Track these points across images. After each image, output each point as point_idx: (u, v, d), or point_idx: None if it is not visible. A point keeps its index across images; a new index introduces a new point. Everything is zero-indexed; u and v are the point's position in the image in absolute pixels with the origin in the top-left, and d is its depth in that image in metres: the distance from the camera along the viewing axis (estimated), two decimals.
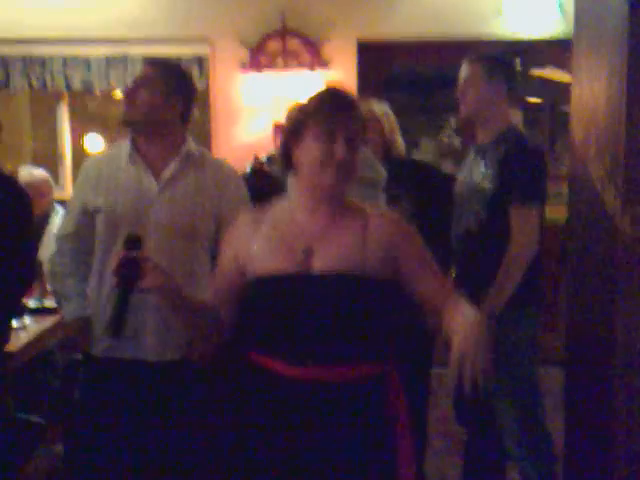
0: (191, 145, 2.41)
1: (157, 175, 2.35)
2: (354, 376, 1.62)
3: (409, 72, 6.24)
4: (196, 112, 5.95)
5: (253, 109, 5.01)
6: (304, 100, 1.70)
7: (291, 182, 1.77)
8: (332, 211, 1.68)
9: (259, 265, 1.65)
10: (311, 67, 5.00)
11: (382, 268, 1.64)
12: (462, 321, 1.55)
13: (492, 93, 2.76)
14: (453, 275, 2.89)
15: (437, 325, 1.75)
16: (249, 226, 1.71)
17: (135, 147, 2.38)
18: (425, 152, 5.16)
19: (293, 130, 1.67)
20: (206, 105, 5.25)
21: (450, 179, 3.09)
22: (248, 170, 3.31)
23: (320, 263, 1.62)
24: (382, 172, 2.73)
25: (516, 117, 4.95)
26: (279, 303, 1.60)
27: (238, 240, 1.71)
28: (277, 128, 4.74)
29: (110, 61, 5.21)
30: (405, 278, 1.69)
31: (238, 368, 1.71)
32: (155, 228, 2.29)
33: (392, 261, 1.66)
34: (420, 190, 3.06)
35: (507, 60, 2.85)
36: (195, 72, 5.23)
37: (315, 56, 5.03)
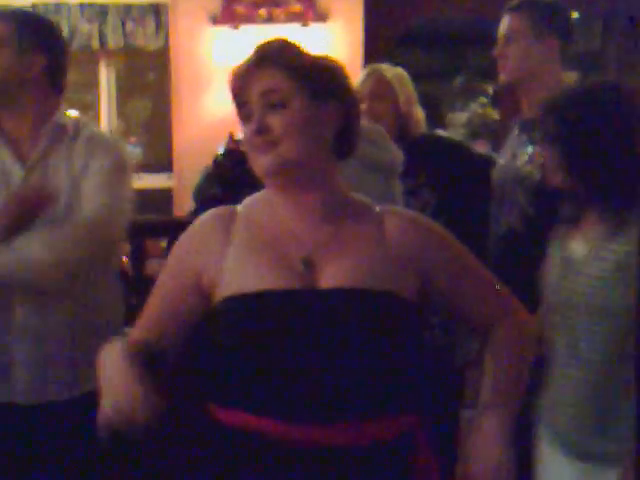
0: (64, 116, 2.43)
1: (24, 157, 2.36)
2: (378, 434, 1.55)
3: (431, 26, 6.27)
4: (152, 76, 5.97)
5: (226, 74, 5.01)
6: None
7: None
8: (325, 207, 1.64)
9: (237, 282, 1.59)
10: (304, 20, 5.01)
11: (409, 283, 1.62)
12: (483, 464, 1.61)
13: (541, 52, 2.76)
14: None
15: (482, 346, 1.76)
16: (218, 230, 1.66)
17: None
18: (453, 129, 5.17)
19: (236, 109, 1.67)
20: (165, 68, 5.27)
21: (487, 162, 3.09)
22: (220, 152, 3.31)
23: (329, 277, 1.58)
24: (397, 154, 2.73)
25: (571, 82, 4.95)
26: (271, 332, 1.53)
27: (203, 249, 1.65)
28: None
29: (38, 10, 5.22)
30: (439, 294, 1.67)
31: (193, 430, 1.64)
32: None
33: (419, 274, 1.64)
34: (447, 177, 3.06)
35: (560, 8, 2.85)
36: (150, 25, 5.25)
37: (309, 6, 5.04)
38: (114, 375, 1.49)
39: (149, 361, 1.51)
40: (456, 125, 5.35)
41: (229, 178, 3.12)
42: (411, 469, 1.62)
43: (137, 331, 1.69)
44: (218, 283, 1.61)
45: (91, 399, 1.58)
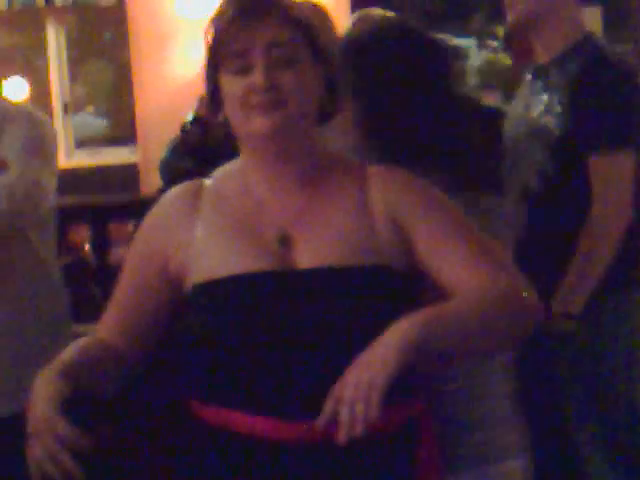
0: None
1: None
2: (379, 424, 1.50)
3: None
4: (107, 35, 5.96)
5: (193, 26, 4.99)
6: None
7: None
8: (304, 175, 1.67)
9: (207, 266, 1.62)
10: None
11: (399, 250, 1.63)
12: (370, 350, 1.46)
13: None
14: None
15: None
16: (184, 208, 1.69)
17: None
18: (457, 76, 5.17)
19: (208, 67, 1.67)
20: (122, 25, 5.26)
21: (496, 115, 3.10)
22: (189, 119, 3.30)
23: (307, 255, 1.61)
24: None
25: (593, 19, 4.95)
26: (250, 319, 1.56)
27: (169, 232, 1.68)
28: None
29: None
30: (424, 261, 1.62)
31: (173, 433, 1.65)
32: None
33: (406, 240, 1.63)
34: None
35: None
36: None
37: None
38: (41, 419, 1.49)
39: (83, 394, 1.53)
40: (461, 72, 5.33)
41: (200, 149, 3.11)
42: (415, 459, 1.63)
43: (103, 327, 1.71)
44: (187, 269, 1.64)
45: None
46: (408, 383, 1.59)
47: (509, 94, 4.64)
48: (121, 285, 1.72)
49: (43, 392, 1.51)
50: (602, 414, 2.72)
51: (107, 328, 1.70)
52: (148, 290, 1.68)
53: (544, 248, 2.75)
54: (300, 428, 1.53)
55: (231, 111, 1.63)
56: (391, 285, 1.60)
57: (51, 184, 2.43)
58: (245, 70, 1.60)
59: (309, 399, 1.53)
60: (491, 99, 4.75)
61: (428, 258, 1.62)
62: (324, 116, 1.69)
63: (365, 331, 1.52)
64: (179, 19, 5.08)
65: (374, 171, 1.70)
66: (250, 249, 1.62)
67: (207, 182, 1.72)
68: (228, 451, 1.59)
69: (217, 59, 1.64)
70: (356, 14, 3.33)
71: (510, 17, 2.87)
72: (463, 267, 1.60)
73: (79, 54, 6.41)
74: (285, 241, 1.62)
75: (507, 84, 5.38)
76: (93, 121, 7.31)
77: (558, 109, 2.71)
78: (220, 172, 1.74)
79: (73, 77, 6.13)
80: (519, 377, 2.84)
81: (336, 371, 1.51)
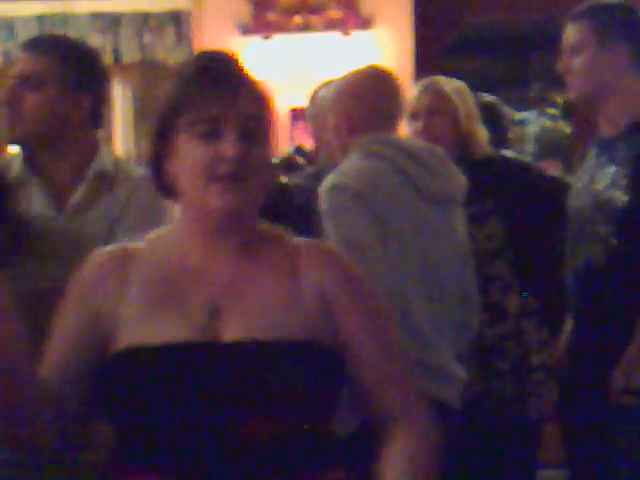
0: (104, 159, 2.49)
1: (61, 202, 2.42)
2: None
3: (490, 29, 6.29)
4: None
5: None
6: (174, 78, 1.68)
7: (175, 207, 1.75)
8: (240, 247, 1.67)
9: (134, 331, 1.62)
10: (345, 28, 5.06)
11: (327, 327, 1.65)
12: None
13: (609, 61, 2.79)
14: (569, 331, 2.91)
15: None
16: (114, 271, 1.68)
17: (30, 162, 2.44)
18: (518, 148, 5.18)
19: (160, 127, 1.64)
20: None
21: (561, 186, 3.13)
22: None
23: (234, 327, 1.61)
24: (459, 181, 2.77)
25: None
26: (172, 388, 1.56)
27: (97, 292, 1.67)
28: (295, 116, 4.77)
29: (44, 22, 5.34)
30: (343, 349, 1.66)
31: None
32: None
33: (333, 320, 1.66)
34: (516, 203, 3.10)
35: (625, 9, 2.85)
36: (170, 36, 5.35)
37: (350, 12, 5.09)
38: None
39: None
40: (522, 144, 5.35)
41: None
42: None
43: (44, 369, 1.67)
44: (112, 335, 1.63)
45: None
46: (323, 457, 1.63)
47: (568, 163, 4.66)
48: (56, 340, 1.68)
49: None
50: None
51: (47, 371, 1.66)
52: (80, 348, 1.65)
53: (606, 321, 2.75)
54: None
55: (188, 177, 1.61)
56: (315, 360, 1.62)
57: None
58: (210, 136, 1.58)
59: (226, 465, 1.54)
60: (553, 168, 4.76)
61: (351, 352, 1.66)
62: None
63: (283, 405, 1.57)
64: None
65: (305, 245, 1.72)
66: (177, 318, 1.61)
67: (138, 247, 1.72)
68: None
69: (173, 123, 1.62)
70: (422, 81, 3.39)
71: (569, 94, 2.89)
72: (386, 381, 1.69)
73: (143, 111, 6.52)
74: (213, 312, 1.62)
75: (566, 152, 5.39)
76: None
77: (624, 182, 2.72)
78: (153, 236, 1.74)
79: (137, 134, 6.22)
80: (577, 448, 2.87)
81: (254, 441, 1.55)
